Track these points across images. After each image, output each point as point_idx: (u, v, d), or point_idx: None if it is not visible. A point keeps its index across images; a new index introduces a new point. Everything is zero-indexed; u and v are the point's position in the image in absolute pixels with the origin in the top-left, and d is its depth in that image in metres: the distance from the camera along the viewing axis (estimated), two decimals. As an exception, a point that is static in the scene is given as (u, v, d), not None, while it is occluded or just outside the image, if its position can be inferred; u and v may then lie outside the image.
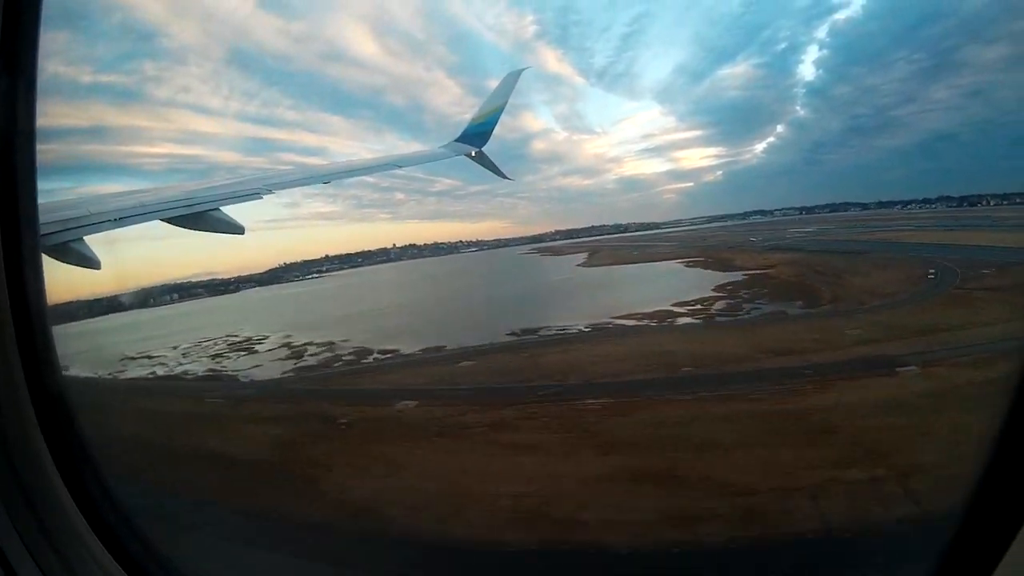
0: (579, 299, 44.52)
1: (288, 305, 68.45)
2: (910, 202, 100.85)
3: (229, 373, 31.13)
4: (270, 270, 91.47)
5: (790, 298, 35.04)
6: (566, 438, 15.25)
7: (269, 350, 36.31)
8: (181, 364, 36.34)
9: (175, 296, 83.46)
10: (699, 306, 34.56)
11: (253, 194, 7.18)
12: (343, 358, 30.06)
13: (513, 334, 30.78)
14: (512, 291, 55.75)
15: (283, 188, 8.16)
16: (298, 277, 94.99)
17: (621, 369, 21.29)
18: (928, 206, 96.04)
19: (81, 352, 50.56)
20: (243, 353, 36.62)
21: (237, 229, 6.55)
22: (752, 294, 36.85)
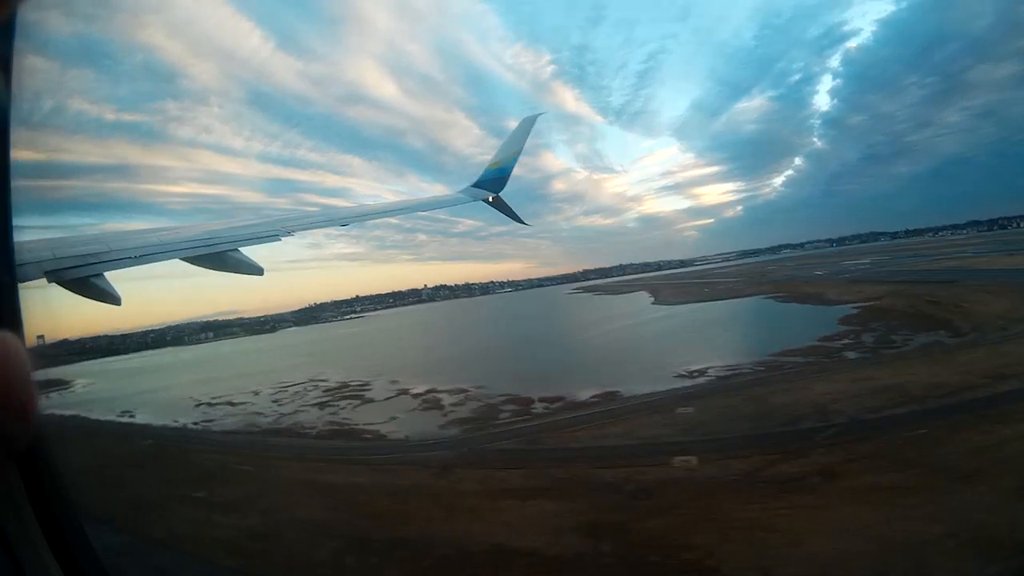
0: (702, 338, 42.47)
1: (352, 346, 64.22)
2: (940, 228, 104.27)
3: (362, 428, 27.82)
4: (303, 309, 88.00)
5: (929, 328, 34.04)
6: (916, 474, 14.12)
7: (387, 399, 33.26)
8: (282, 414, 32.89)
9: (209, 335, 79.24)
10: (848, 340, 33.17)
11: (272, 236, 7.25)
12: (502, 408, 27.33)
13: (680, 376, 28.74)
14: (608, 331, 53.40)
15: (303, 230, 8.31)
16: (334, 317, 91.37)
17: (873, 404, 20.09)
18: (959, 231, 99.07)
19: (141, 394, 46.26)
20: (356, 402, 33.49)
21: (256, 270, 6.54)
22: (887, 327, 35.67)
